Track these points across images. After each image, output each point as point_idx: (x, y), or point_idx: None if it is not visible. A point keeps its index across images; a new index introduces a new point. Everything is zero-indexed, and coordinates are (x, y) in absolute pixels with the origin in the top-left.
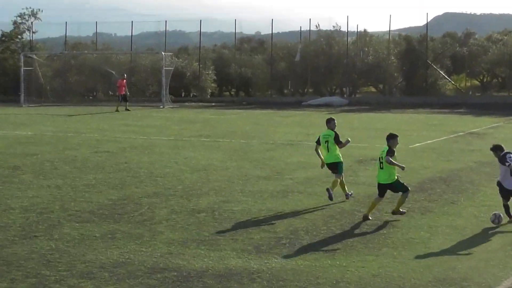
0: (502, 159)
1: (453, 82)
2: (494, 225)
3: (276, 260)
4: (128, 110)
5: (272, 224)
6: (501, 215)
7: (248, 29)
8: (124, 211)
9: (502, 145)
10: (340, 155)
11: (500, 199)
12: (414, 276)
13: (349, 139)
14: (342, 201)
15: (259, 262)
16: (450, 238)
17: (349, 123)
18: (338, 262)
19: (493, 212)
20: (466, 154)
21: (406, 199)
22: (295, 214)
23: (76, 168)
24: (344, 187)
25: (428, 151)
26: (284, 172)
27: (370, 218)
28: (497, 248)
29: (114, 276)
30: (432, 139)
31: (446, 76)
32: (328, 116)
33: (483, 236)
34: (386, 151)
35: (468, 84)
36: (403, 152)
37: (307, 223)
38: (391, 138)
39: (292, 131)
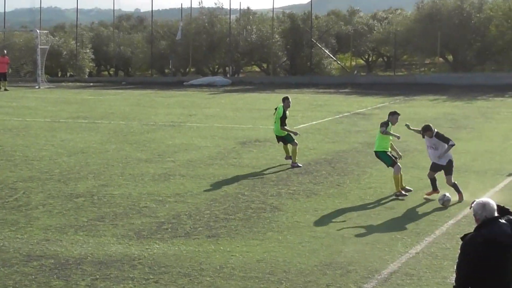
0: (443, 138)
1: (338, 61)
2: (440, 205)
3: (157, 246)
4: (7, 90)
5: (154, 208)
6: (450, 197)
7: (127, 6)
8: None
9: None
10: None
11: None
12: (300, 261)
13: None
14: (226, 184)
15: (140, 248)
16: (336, 221)
17: (233, 104)
18: (222, 247)
19: (444, 193)
20: (352, 135)
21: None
22: (177, 198)
23: None
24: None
25: (313, 132)
26: (165, 155)
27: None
28: (383, 231)
29: None
30: (317, 119)
31: (331, 55)
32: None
33: (369, 218)
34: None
35: (353, 63)
36: None
37: (189, 207)
38: (391, 115)
39: (174, 112)
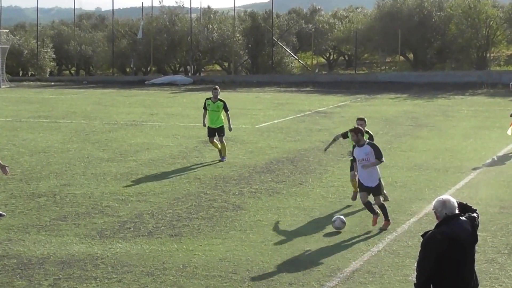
0: (378, 154)
1: (299, 60)
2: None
3: (120, 245)
4: None
5: (116, 207)
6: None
7: (88, 5)
8: None
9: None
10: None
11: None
12: (263, 259)
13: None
14: (188, 183)
15: (103, 247)
16: (298, 219)
17: (194, 103)
18: (184, 246)
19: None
20: (313, 134)
21: None
22: (139, 197)
23: None
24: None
25: (275, 131)
26: (127, 154)
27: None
28: (346, 229)
29: None
30: (278, 118)
31: (292, 54)
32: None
33: (331, 217)
34: None
35: (315, 61)
36: (251, 132)
37: (152, 206)
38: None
39: (135, 111)
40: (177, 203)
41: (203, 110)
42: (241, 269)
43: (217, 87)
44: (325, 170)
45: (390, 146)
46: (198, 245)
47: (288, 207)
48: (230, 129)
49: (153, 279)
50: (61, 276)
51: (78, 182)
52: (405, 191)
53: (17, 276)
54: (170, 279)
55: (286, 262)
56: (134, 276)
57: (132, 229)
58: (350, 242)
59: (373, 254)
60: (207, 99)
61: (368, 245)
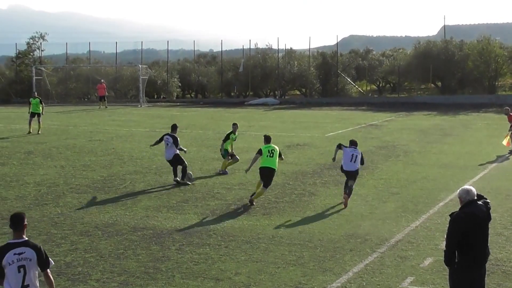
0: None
1: (357, 87)
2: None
3: (227, 221)
4: (106, 107)
5: (224, 194)
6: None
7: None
8: (112, 185)
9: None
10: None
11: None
12: (330, 232)
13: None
14: (276, 176)
15: (214, 222)
16: (356, 203)
17: (280, 118)
18: (273, 222)
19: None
20: (367, 141)
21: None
22: (241, 186)
23: (76, 152)
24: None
25: (339, 138)
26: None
27: (254, 204)
28: (391, 210)
29: (106, 233)
30: (342, 129)
31: (352, 82)
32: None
33: (381, 201)
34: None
35: (368, 88)
36: (322, 139)
37: (250, 193)
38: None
39: (238, 124)
40: (268, 191)
41: (222, 142)
42: (314, 239)
43: (236, 123)
44: (376, 167)
45: (424, 149)
46: (283, 221)
47: None
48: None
49: (251, 245)
50: (184, 242)
51: (197, 175)
52: (435, 183)
53: (153, 243)
54: (263, 245)
55: (347, 234)
56: (237, 243)
57: (235, 209)
58: (395, 219)
59: (411, 228)
60: (230, 132)
61: (408, 222)
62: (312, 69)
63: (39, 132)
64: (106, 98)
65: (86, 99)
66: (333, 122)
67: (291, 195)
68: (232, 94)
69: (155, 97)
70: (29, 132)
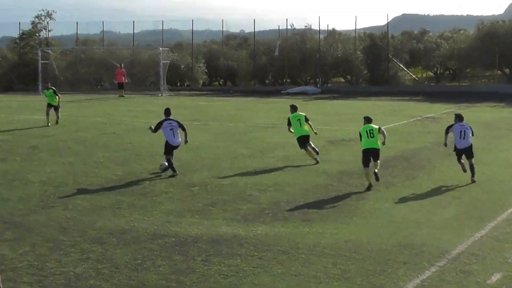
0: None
1: (411, 74)
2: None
3: (261, 228)
4: (123, 96)
5: (257, 196)
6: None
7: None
8: (128, 185)
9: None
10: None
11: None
12: (381, 241)
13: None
14: (317, 177)
15: (246, 229)
16: (411, 208)
17: (322, 109)
18: (314, 229)
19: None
20: (423, 136)
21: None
22: (276, 187)
23: (87, 147)
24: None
25: (390, 133)
26: (266, 151)
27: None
28: (452, 217)
29: (121, 241)
30: (393, 123)
31: (404, 68)
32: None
33: (440, 206)
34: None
35: (424, 75)
36: None
37: (287, 195)
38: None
39: (272, 115)
40: (308, 193)
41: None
42: (362, 250)
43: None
44: (434, 166)
45: (490, 146)
46: (326, 229)
47: (402, 198)
48: None
49: (288, 257)
50: (211, 252)
51: (225, 174)
52: (503, 185)
53: (176, 252)
54: (303, 257)
55: (400, 244)
56: (272, 254)
57: (271, 214)
58: (456, 228)
59: (476, 239)
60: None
61: (471, 231)
62: (358, 53)
63: (57, 122)
64: (120, 85)
65: (99, 86)
66: (382, 114)
67: (335, 198)
68: (267, 81)
69: (178, 84)
70: (48, 124)
